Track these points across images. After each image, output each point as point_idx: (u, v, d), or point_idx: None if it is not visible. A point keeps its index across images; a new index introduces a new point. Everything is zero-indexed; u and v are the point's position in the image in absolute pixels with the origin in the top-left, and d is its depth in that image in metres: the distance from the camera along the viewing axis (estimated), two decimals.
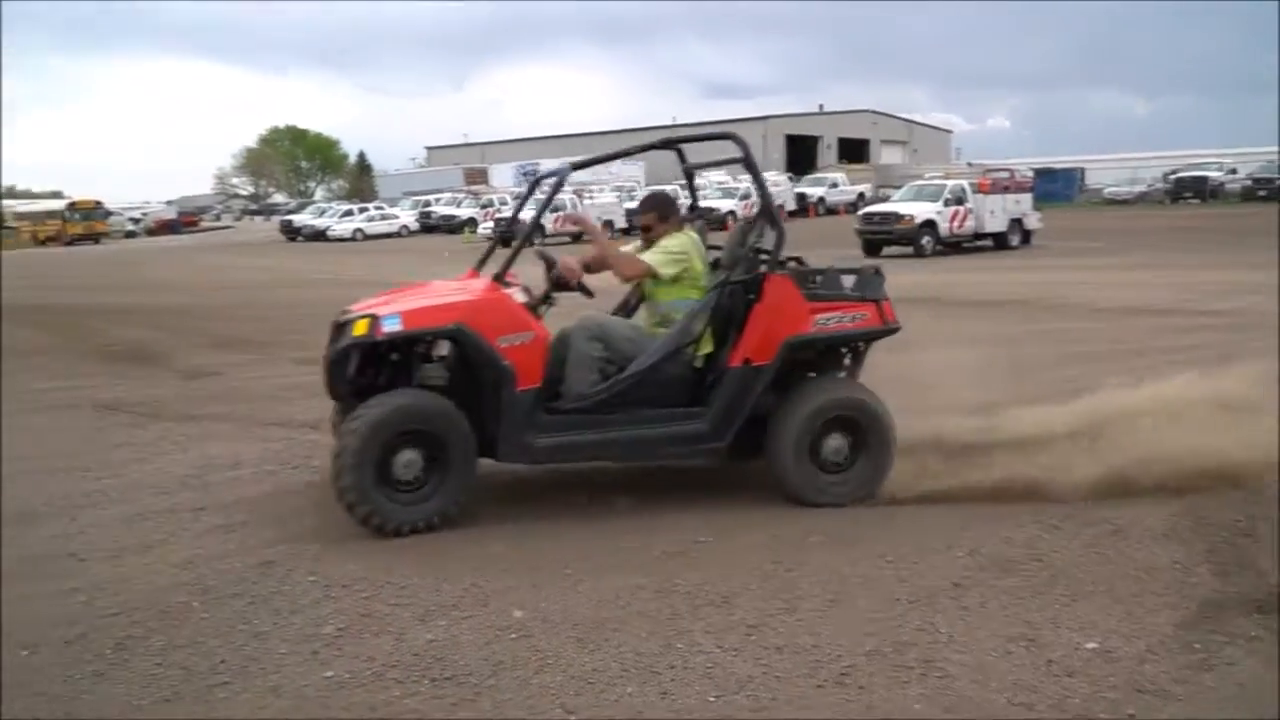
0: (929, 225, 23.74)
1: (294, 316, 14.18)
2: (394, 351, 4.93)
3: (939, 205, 24.12)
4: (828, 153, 67.40)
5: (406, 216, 47.71)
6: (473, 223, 41.19)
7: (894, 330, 5.25)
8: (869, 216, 25.18)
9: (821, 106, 72.26)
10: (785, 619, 3.72)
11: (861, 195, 45.35)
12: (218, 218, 75.51)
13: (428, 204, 49.74)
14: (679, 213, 5.46)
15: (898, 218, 23.95)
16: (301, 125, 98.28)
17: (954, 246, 24.41)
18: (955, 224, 24.21)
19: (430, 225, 46.20)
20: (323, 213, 50.75)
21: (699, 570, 4.19)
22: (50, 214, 54.96)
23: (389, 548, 4.50)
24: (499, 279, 4.95)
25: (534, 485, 5.46)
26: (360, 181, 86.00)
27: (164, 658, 3.51)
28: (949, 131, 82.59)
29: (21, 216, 55.86)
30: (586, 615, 3.78)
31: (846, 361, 5.47)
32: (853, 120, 70.69)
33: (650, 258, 5.10)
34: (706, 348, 5.06)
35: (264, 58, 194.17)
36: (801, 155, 64.79)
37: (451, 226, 44.23)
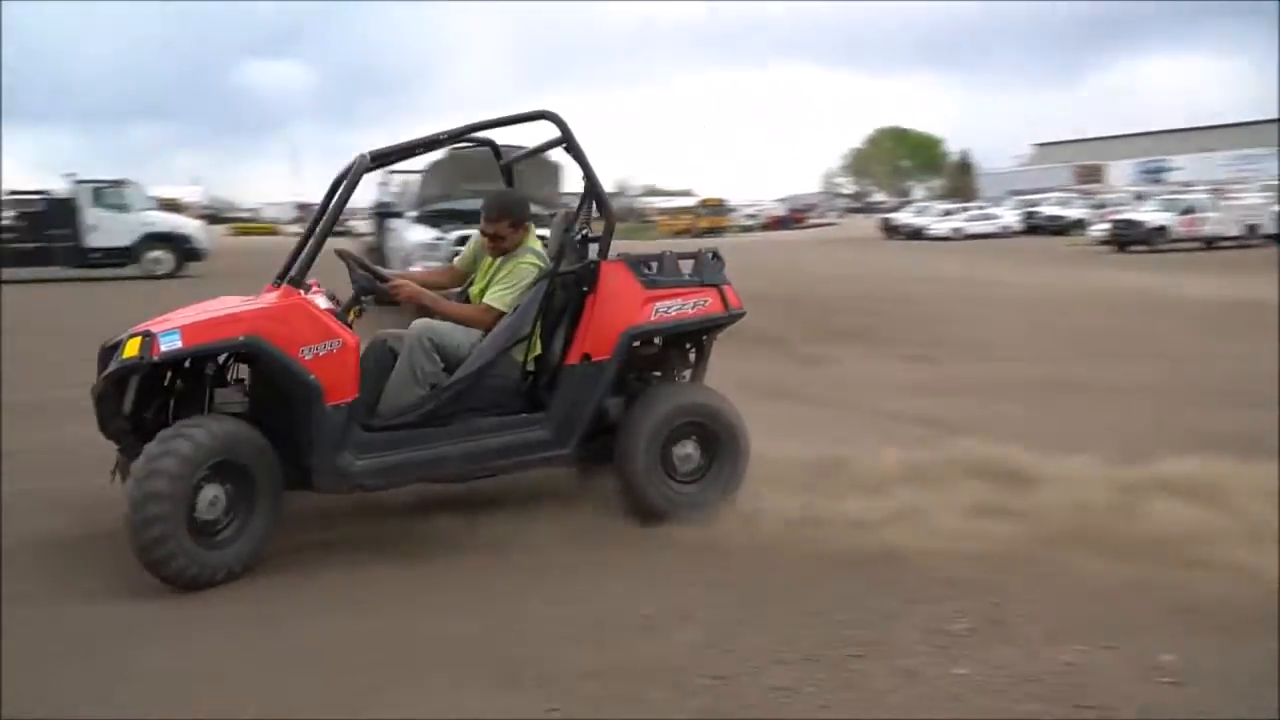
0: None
1: (907, 314, 14.36)
2: (178, 377, 4.41)
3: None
4: None
5: (1009, 216, 46.33)
6: (1081, 224, 38.75)
7: (738, 316, 4.99)
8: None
9: None
10: None
11: None
12: (823, 215, 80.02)
13: (1033, 203, 47.85)
14: (530, 214, 4.90)
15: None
16: (904, 125, 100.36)
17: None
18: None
19: (1035, 225, 44.34)
20: (921, 211, 51.24)
21: None
22: (683, 210, 62.61)
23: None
24: (295, 283, 4.31)
25: None
26: (960, 180, 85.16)
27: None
28: None
29: (661, 211, 64.39)
30: None
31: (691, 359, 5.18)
32: None
33: (494, 298, 4.65)
34: (535, 349, 4.68)
35: (869, 60, 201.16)
36: None
37: (1058, 227, 42.02)
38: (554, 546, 4.47)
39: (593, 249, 4.91)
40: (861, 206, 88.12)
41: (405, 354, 4.53)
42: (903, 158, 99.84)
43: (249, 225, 65.23)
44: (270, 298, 4.34)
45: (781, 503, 4.83)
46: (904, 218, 49.72)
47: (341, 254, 4.65)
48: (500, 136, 5.14)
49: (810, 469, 5.42)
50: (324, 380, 4.14)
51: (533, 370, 4.71)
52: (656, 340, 5.05)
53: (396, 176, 15.77)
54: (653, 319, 4.78)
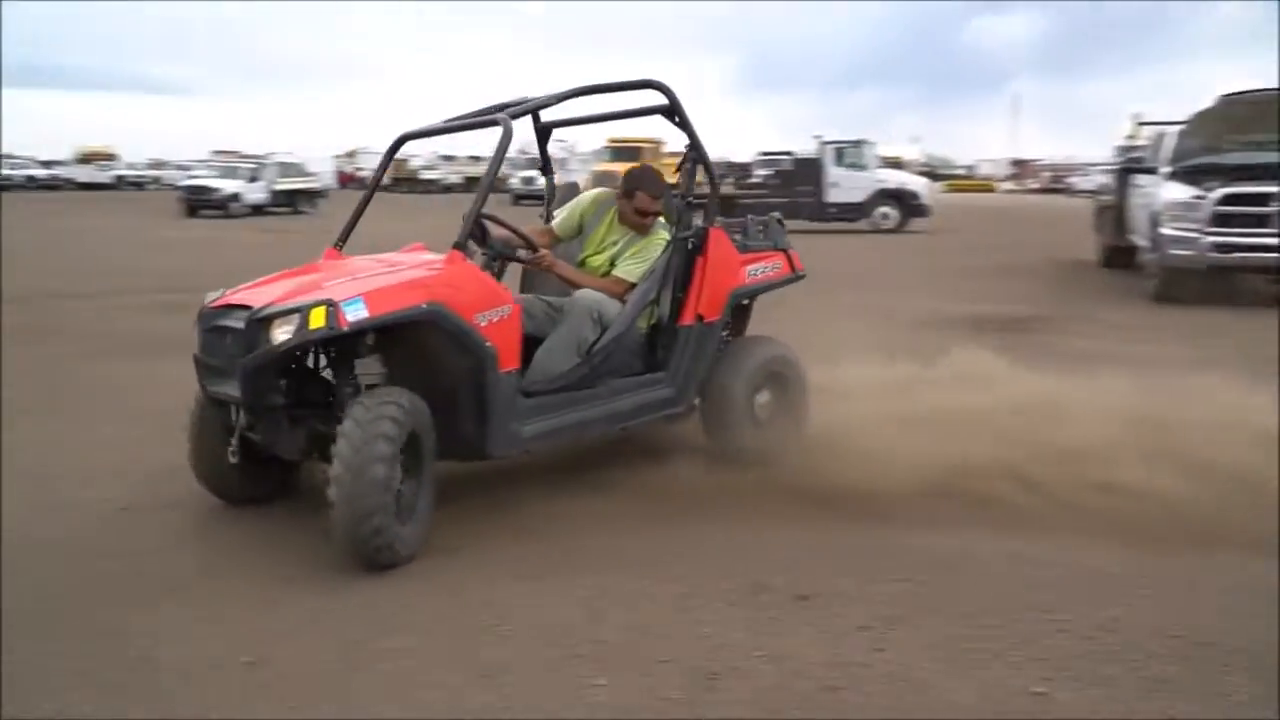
0: None
1: None
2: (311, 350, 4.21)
3: None
4: None
5: None
6: None
7: (802, 277, 5.43)
8: None
9: None
10: None
11: None
12: None
13: None
14: None
15: None
16: None
17: None
18: None
19: None
20: None
21: None
22: None
23: None
24: (461, 247, 4.19)
25: None
26: None
27: None
28: None
29: None
30: None
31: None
32: None
33: (626, 271, 4.79)
34: (654, 313, 4.85)
35: None
36: None
37: None
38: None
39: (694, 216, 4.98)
40: None
41: (571, 322, 4.58)
42: None
43: (963, 182, 65.99)
44: (433, 261, 4.25)
45: None
46: None
47: (488, 217, 4.43)
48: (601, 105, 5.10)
49: None
50: (498, 347, 4.08)
51: (651, 332, 4.87)
52: (745, 300, 5.34)
53: (1147, 129, 14.43)
54: (748, 281, 5.14)
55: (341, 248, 4.68)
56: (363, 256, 4.57)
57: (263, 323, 3.81)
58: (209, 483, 4.45)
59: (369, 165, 57.67)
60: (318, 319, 3.71)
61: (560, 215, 5.12)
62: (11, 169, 49.64)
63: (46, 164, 54.55)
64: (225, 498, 4.48)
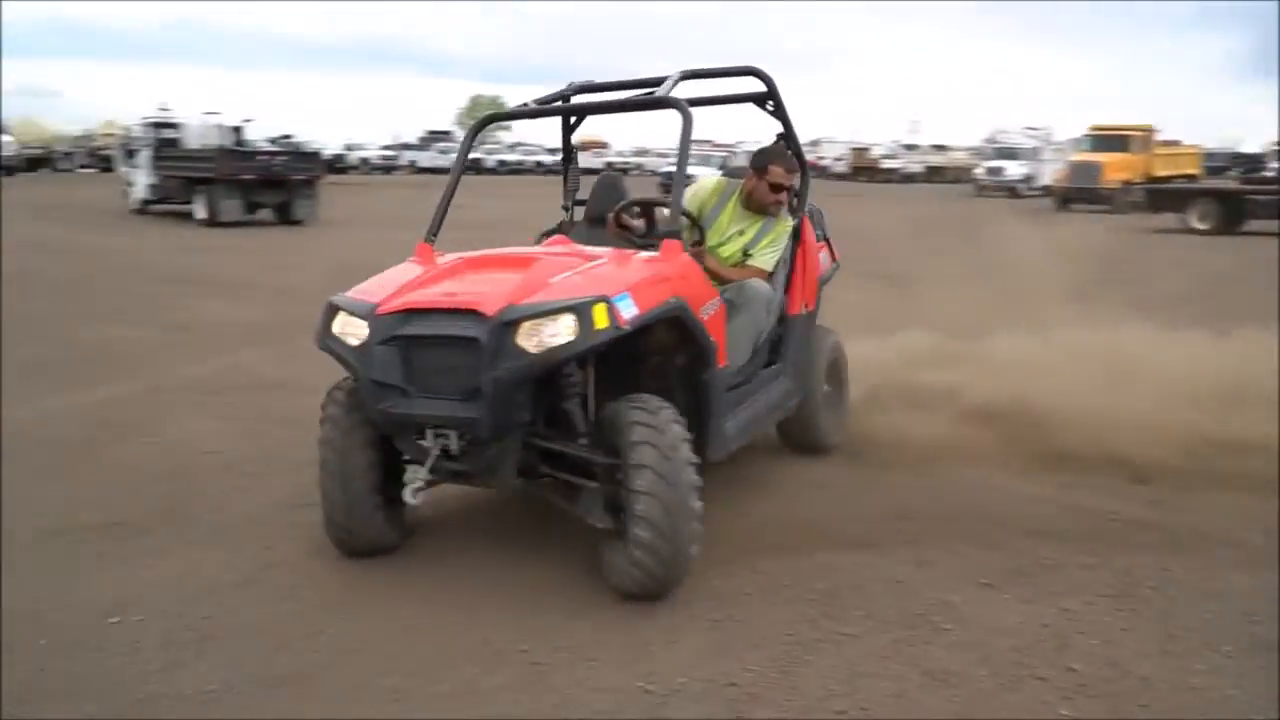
0: None
1: None
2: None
3: None
4: None
5: None
6: None
7: (838, 268, 5.24)
8: None
9: None
10: None
11: None
12: None
13: None
14: None
15: None
16: None
17: None
18: None
19: None
20: None
21: None
22: None
23: None
24: (673, 235, 3.76)
25: None
26: None
27: None
28: None
29: None
30: None
31: None
32: None
33: (763, 261, 4.48)
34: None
35: None
36: None
37: None
38: None
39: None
40: None
41: (750, 313, 4.23)
42: None
43: None
44: (653, 252, 3.76)
45: None
46: None
47: (647, 201, 4.44)
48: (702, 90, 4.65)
49: None
50: (718, 342, 3.77)
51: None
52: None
53: None
54: (823, 270, 4.97)
55: (434, 241, 4.10)
56: (500, 249, 4.07)
57: (511, 327, 3.23)
58: (349, 535, 3.67)
59: (830, 154, 58.31)
60: (601, 318, 3.22)
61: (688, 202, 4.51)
62: (525, 154, 56.56)
63: (551, 150, 61.44)
64: (358, 551, 3.71)
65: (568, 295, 3.29)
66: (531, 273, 3.50)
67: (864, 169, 51.85)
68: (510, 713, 2.76)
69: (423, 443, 3.41)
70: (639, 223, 4.42)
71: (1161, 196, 22.14)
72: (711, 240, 4.48)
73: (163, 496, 4.43)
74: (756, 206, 4.51)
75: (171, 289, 10.96)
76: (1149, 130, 29.00)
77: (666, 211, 4.14)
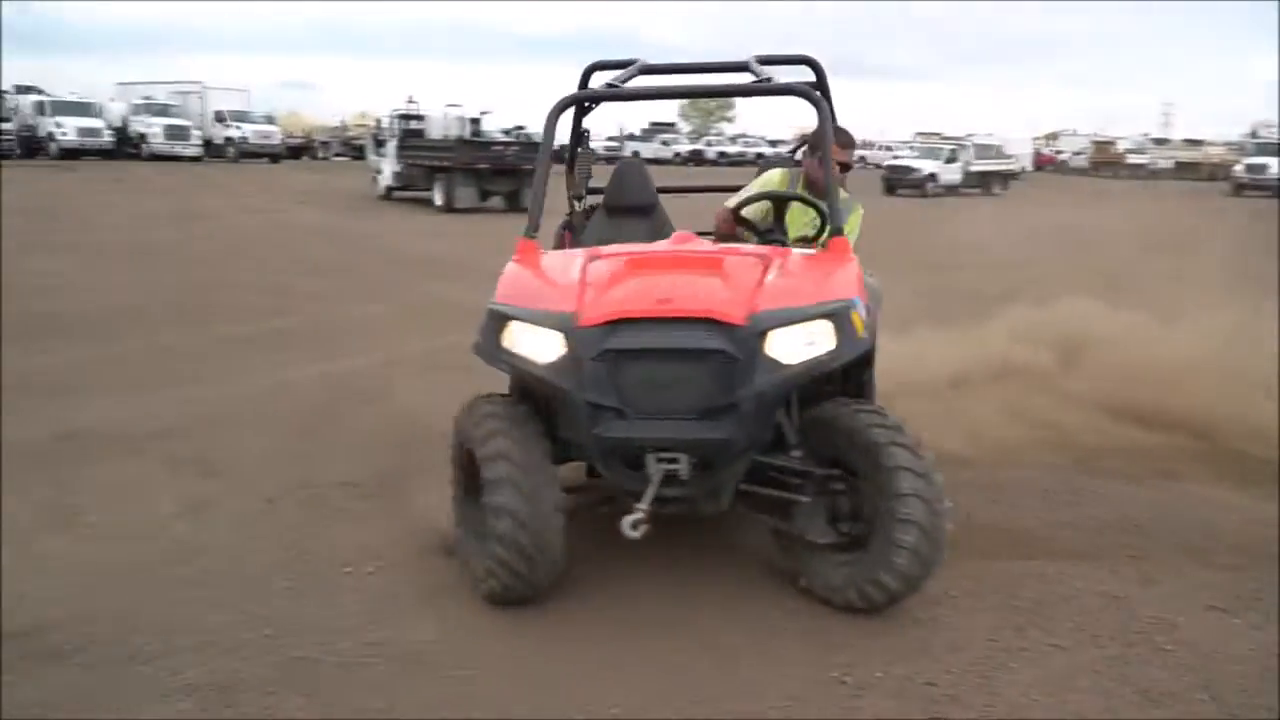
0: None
1: None
2: None
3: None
4: None
5: None
6: None
7: None
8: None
9: None
10: None
11: None
12: None
13: None
14: None
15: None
16: None
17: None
18: None
19: None
20: None
21: None
22: None
23: None
24: (840, 231, 3.54)
25: None
26: None
27: None
28: None
29: None
30: None
31: None
32: None
33: (852, 238, 3.78)
34: None
35: None
36: None
37: None
38: None
39: None
40: None
41: (879, 308, 3.99)
42: None
43: None
44: (796, 251, 3.63)
45: None
46: None
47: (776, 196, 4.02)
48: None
49: None
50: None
51: None
52: None
53: None
54: None
55: (535, 237, 3.75)
56: (648, 247, 3.78)
57: (761, 337, 2.99)
58: (534, 561, 3.12)
59: (1069, 148, 54.99)
60: (860, 324, 3.08)
61: (750, 191, 4.16)
62: (746, 146, 56.32)
63: (773, 143, 60.92)
64: (537, 583, 3.21)
65: (810, 300, 3.08)
66: (735, 273, 3.23)
67: (1107, 163, 48.59)
68: (704, 693, 2.82)
69: (639, 470, 3.08)
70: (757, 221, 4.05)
71: None
72: (792, 231, 4.07)
73: (390, 462, 4.79)
74: (819, 190, 3.95)
75: (408, 271, 11.76)
76: None
77: (793, 206, 3.97)
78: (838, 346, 3.00)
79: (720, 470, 3.12)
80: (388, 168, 23.31)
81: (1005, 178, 35.01)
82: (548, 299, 3.23)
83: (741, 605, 3.32)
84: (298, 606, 3.32)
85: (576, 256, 3.58)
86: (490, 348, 3.23)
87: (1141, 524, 4.06)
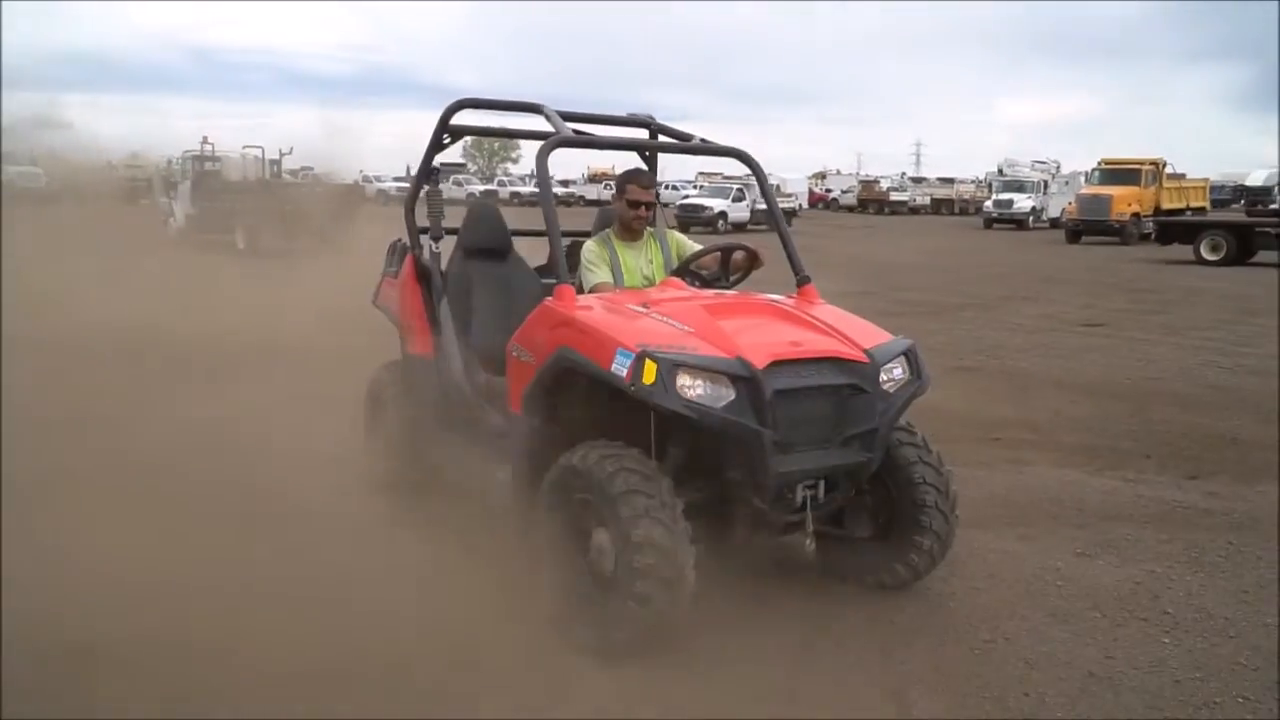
0: None
1: None
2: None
3: None
4: None
5: None
6: None
7: None
8: None
9: None
10: None
11: None
12: None
13: None
14: None
15: None
16: None
17: None
18: None
19: None
20: None
21: None
22: None
23: None
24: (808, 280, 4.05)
25: None
26: None
27: None
28: None
29: None
30: None
31: None
32: None
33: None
34: None
35: None
36: None
37: None
38: None
39: None
40: None
41: None
42: None
43: None
44: (774, 298, 3.94)
45: None
46: None
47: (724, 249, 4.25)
48: None
49: None
50: None
51: None
52: None
53: None
54: None
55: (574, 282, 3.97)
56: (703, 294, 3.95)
57: (877, 371, 3.44)
58: (675, 607, 3.16)
59: (838, 186, 58.94)
60: (914, 363, 3.61)
61: (598, 272, 4.23)
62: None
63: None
64: (671, 629, 3.26)
65: (881, 340, 3.56)
66: (808, 318, 3.65)
67: (873, 200, 52.75)
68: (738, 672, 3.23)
69: (788, 497, 3.34)
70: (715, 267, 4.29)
71: (1172, 229, 22.82)
72: (635, 282, 4.21)
73: None
74: (630, 233, 4.29)
75: None
76: (1159, 164, 29.73)
77: (737, 255, 4.23)
78: (909, 379, 3.53)
79: (842, 491, 3.52)
80: (180, 210, 22.41)
81: (788, 215, 37.42)
82: (697, 346, 3.27)
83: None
84: None
85: (648, 303, 3.62)
86: (662, 391, 3.12)
87: (1009, 499, 4.96)
